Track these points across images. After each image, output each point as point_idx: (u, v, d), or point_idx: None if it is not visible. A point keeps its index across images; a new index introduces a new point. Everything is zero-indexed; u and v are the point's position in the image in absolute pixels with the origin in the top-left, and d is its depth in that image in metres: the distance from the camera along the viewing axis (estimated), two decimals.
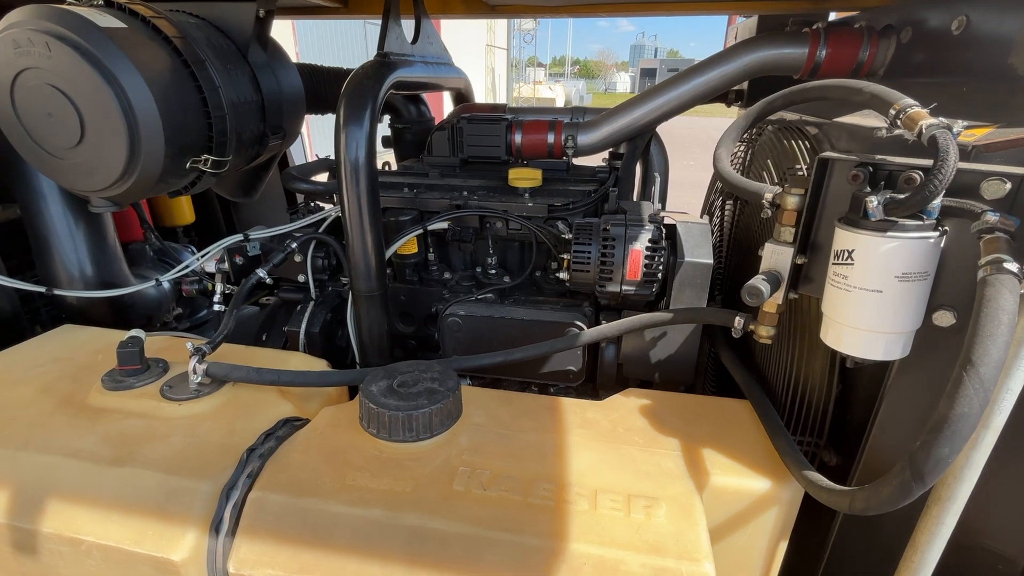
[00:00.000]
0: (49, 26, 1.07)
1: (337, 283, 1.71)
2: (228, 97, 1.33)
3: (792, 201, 0.94)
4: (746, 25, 2.09)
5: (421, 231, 1.53)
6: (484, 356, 1.29)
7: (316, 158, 1.88)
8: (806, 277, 0.96)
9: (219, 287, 1.58)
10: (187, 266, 1.52)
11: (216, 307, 1.58)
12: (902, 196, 0.74)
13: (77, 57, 1.07)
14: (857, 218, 0.80)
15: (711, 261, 1.27)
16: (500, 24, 23.12)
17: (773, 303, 1.02)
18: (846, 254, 0.81)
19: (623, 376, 1.43)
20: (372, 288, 1.42)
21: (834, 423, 1.11)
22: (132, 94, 1.11)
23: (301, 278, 1.64)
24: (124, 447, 1.01)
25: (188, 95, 1.24)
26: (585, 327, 1.42)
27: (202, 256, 1.52)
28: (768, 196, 0.98)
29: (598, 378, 1.48)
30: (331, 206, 1.75)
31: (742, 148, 1.92)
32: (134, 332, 1.22)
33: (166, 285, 1.57)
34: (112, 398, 1.14)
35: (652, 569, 0.79)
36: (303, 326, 1.55)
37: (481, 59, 19.14)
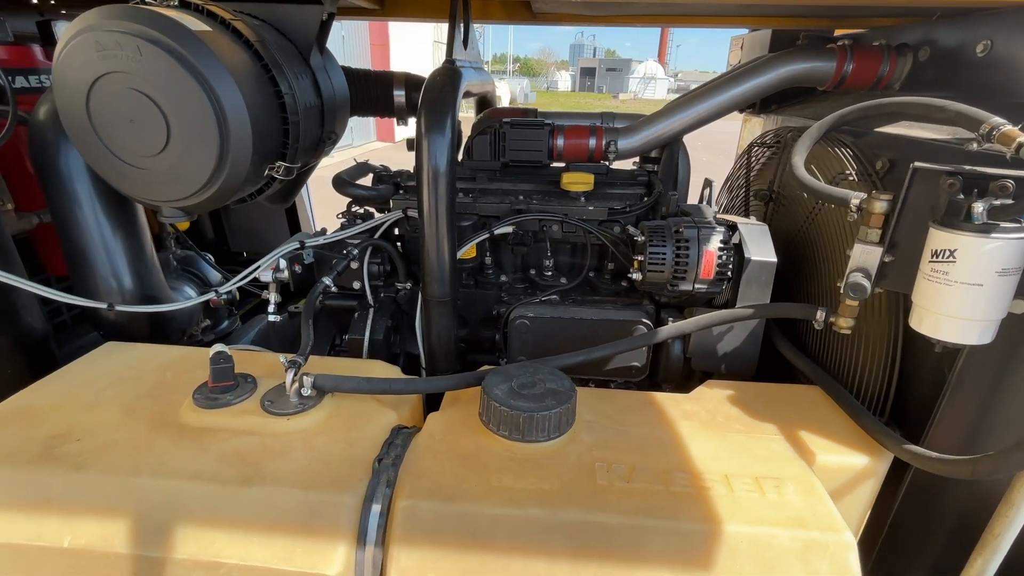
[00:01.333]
0: (140, 28, 1.01)
1: (390, 289, 1.69)
2: (300, 102, 1.30)
3: (880, 205, 1.05)
4: (757, 39, 2.23)
5: (488, 235, 1.55)
6: (568, 356, 1.34)
7: None
8: (890, 273, 1.08)
9: (273, 297, 1.53)
10: (248, 275, 1.46)
11: (272, 318, 1.53)
12: (1009, 203, 0.86)
13: (172, 61, 1.02)
14: (958, 221, 0.92)
15: (775, 259, 1.38)
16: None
17: (856, 297, 1.13)
18: (947, 253, 0.93)
19: (688, 370, 1.52)
20: (446, 293, 1.43)
21: (895, 403, 1.24)
22: (225, 100, 1.07)
23: (356, 285, 1.62)
24: (247, 466, 0.99)
25: (269, 100, 1.21)
26: (651, 324, 1.49)
27: (260, 265, 1.47)
28: (855, 201, 1.09)
29: (660, 373, 1.56)
30: (380, 214, 1.73)
31: (758, 154, 2.06)
32: (218, 348, 1.17)
33: (222, 297, 1.51)
34: (212, 416, 1.09)
35: (802, 542, 0.87)
36: (367, 333, 1.53)
37: (429, 56, 18.91)
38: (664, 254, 1.38)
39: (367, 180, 1.78)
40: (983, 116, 0.93)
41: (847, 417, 1.19)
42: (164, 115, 1.07)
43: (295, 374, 1.13)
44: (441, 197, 1.33)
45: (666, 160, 1.85)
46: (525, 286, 1.70)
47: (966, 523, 1.15)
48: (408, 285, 1.64)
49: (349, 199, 1.70)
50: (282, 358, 1.15)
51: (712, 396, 1.26)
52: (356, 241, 1.63)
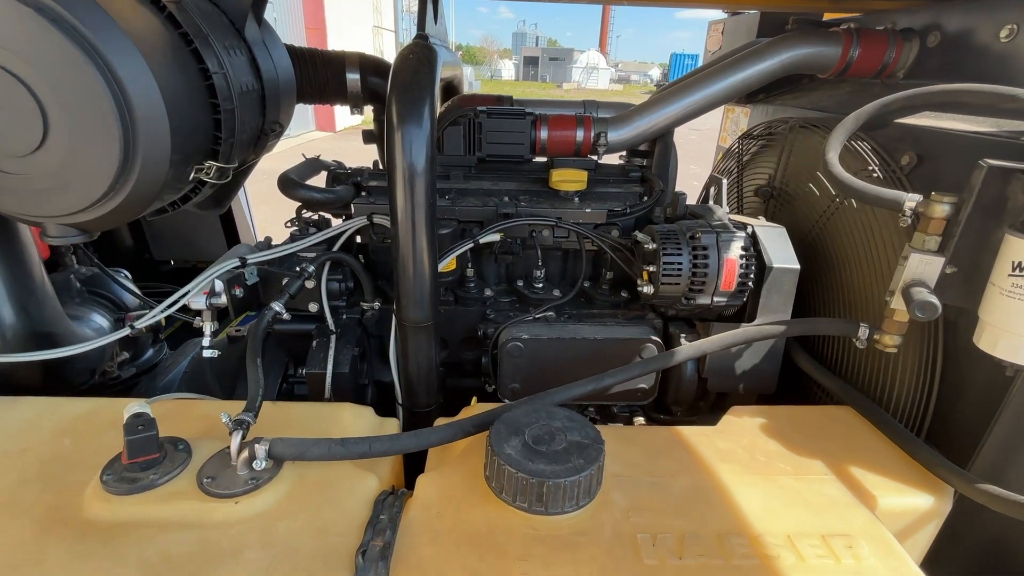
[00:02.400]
0: None
1: (354, 310, 1.43)
2: (234, 84, 1.02)
3: (941, 209, 0.92)
4: (741, 23, 2.10)
5: (472, 245, 1.32)
6: (575, 386, 1.14)
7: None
8: (952, 287, 0.95)
9: (208, 327, 1.23)
10: (174, 303, 1.15)
11: (208, 353, 1.23)
12: None
13: (45, 24, 0.72)
14: None
15: (798, 266, 1.24)
16: (386, 4, 21.99)
17: (904, 312, 1.00)
18: None
19: (702, 391, 1.36)
20: (426, 317, 1.19)
21: (932, 424, 1.13)
22: (128, 79, 0.78)
23: (312, 307, 1.35)
24: None
25: (192, 81, 0.92)
26: (660, 341, 1.32)
27: (191, 290, 1.17)
28: (910, 204, 0.95)
29: (670, 394, 1.39)
30: (338, 221, 1.46)
31: (743, 146, 1.94)
32: (135, 405, 0.89)
33: (139, 330, 1.19)
34: (129, 505, 0.82)
35: None
36: (329, 366, 1.27)
37: (369, 41, 18.04)
38: (680, 264, 1.21)
39: (319, 179, 1.50)
40: None
41: (892, 444, 1.06)
42: (36, 99, 0.77)
43: (242, 437, 0.87)
44: (419, 202, 1.09)
45: (660, 154, 1.67)
46: (512, 300, 1.49)
47: (1000, 554, 1.06)
48: (376, 304, 1.39)
49: (299, 203, 1.42)
50: (224, 416, 0.89)
51: (744, 428, 1.10)
52: (310, 255, 1.35)
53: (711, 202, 1.45)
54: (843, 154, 1.37)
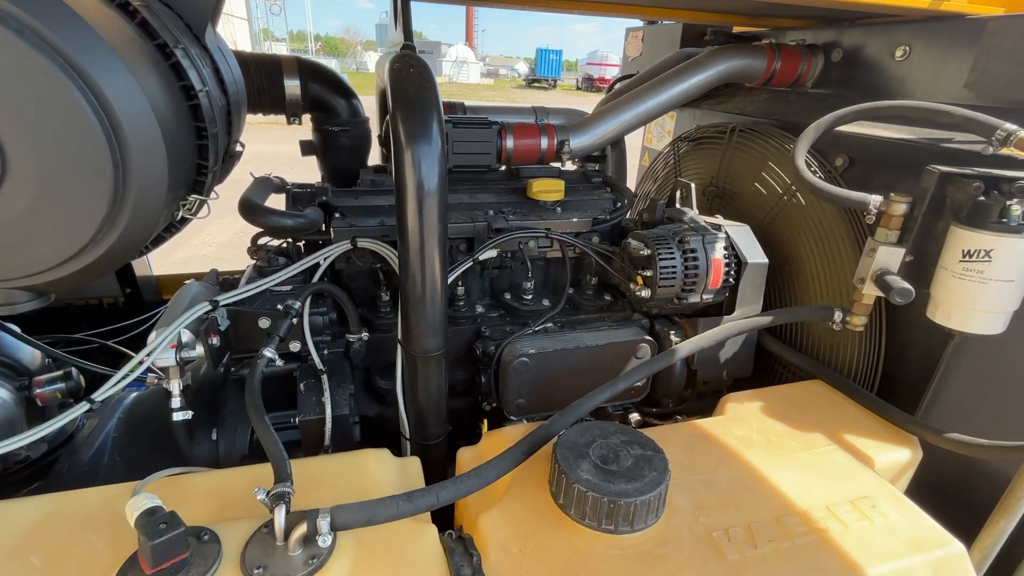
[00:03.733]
0: None
1: (337, 344, 1.30)
2: (215, 103, 0.87)
3: (899, 208, 1.08)
4: (663, 32, 2.25)
5: (471, 262, 1.27)
6: (595, 394, 1.15)
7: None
8: (910, 272, 1.13)
9: (177, 386, 1.04)
10: (132, 371, 0.94)
11: (180, 415, 1.04)
12: None
13: (11, 38, 0.55)
14: (989, 222, 0.97)
15: (767, 260, 1.38)
16: None
17: (871, 296, 1.17)
18: (982, 252, 0.98)
19: (691, 382, 1.46)
20: (439, 345, 1.13)
21: (881, 386, 1.34)
22: (117, 99, 0.63)
23: (294, 346, 1.20)
24: None
25: (177, 101, 0.77)
26: (652, 340, 1.39)
27: (157, 345, 0.97)
28: (875, 204, 1.10)
29: (661, 388, 1.47)
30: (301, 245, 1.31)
31: (672, 151, 2.10)
32: (142, 499, 0.73)
33: (83, 406, 0.95)
34: None
35: (931, 566, 0.85)
36: (328, 411, 1.15)
37: (219, 29, 16.21)
38: (674, 266, 1.28)
39: (273, 200, 1.33)
40: (996, 123, 0.99)
41: (863, 409, 1.24)
42: None
43: (286, 511, 0.76)
44: (431, 223, 1.02)
45: (617, 159, 1.75)
46: (501, 314, 1.46)
47: (965, 494, 1.30)
48: (364, 335, 1.27)
49: (260, 229, 1.25)
50: (260, 492, 0.76)
51: (748, 414, 1.20)
52: (285, 288, 1.20)
53: (678, 204, 1.55)
54: (787, 157, 1.55)
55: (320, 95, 1.61)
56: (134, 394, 1.41)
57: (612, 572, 0.79)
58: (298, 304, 1.12)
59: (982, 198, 0.99)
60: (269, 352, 1.05)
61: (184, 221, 0.85)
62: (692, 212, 1.46)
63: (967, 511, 1.21)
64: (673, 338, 1.38)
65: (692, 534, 0.86)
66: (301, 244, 1.43)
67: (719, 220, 1.46)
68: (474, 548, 0.83)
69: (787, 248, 1.54)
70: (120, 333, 1.56)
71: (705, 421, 1.17)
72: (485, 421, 1.49)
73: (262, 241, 1.33)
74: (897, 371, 1.33)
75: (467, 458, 1.11)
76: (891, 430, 1.17)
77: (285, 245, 1.28)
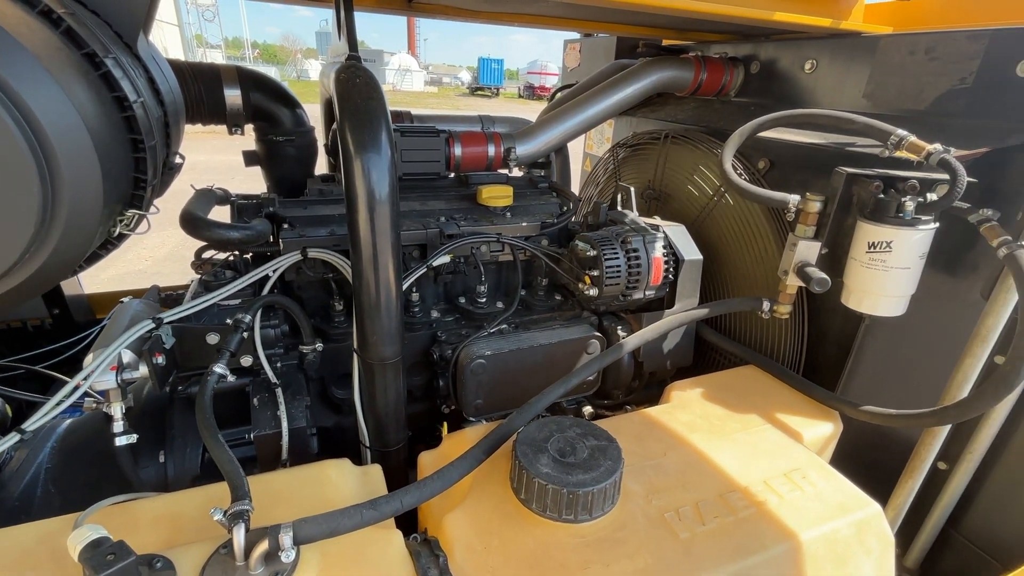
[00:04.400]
0: None
1: (290, 356, 1.28)
2: (151, 114, 0.85)
3: (815, 206, 1.20)
4: (599, 44, 2.35)
5: (425, 269, 1.28)
6: (550, 391, 1.20)
7: None
8: (824, 263, 1.25)
9: (119, 410, 0.99)
10: (66, 397, 0.89)
11: (123, 440, 0.99)
12: (932, 200, 1.05)
13: None
14: (889, 216, 1.09)
15: (701, 256, 1.48)
16: None
17: (794, 286, 1.28)
18: (884, 244, 1.11)
19: (637, 373, 1.53)
20: (396, 352, 1.14)
21: (806, 366, 1.47)
22: (42, 109, 0.61)
23: (246, 360, 1.18)
24: None
25: (109, 112, 0.75)
26: (601, 335, 1.46)
27: (94, 369, 0.92)
28: (794, 202, 1.22)
29: (611, 381, 1.54)
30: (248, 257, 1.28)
31: (614, 155, 2.20)
32: (88, 531, 0.70)
33: (13, 436, 0.88)
34: None
35: (854, 526, 0.95)
36: (285, 424, 1.13)
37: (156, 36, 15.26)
38: (619, 266, 1.35)
39: (216, 212, 1.30)
40: (889, 128, 1.12)
41: (791, 389, 1.35)
42: None
43: (245, 530, 0.75)
44: (383, 231, 1.04)
45: (561, 165, 1.82)
46: (456, 318, 1.48)
47: (872, 455, 1.44)
48: (318, 346, 1.26)
49: (205, 243, 1.21)
50: (216, 513, 0.75)
51: (691, 400, 1.29)
52: (232, 302, 1.18)
53: (620, 207, 1.63)
54: (714, 162, 1.66)
55: (263, 105, 1.57)
56: (68, 421, 1.32)
57: (574, 560, 0.83)
58: (248, 318, 1.10)
59: (882, 196, 1.12)
60: (220, 368, 1.02)
61: (122, 237, 0.82)
62: (633, 214, 1.54)
63: (882, 474, 1.35)
64: (620, 333, 1.46)
65: (646, 516, 0.92)
66: (249, 256, 1.40)
67: (657, 221, 1.55)
68: (440, 549, 0.85)
69: (719, 245, 1.65)
70: (48, 357, 1.46)
71: (653, 409, 1.24)
72: (444, 424, 1.50)
73: (207, 255, 1.29)
74: (819, 353, 1.47)
75: (428, 461, 1.12)
76: (816, 407, 1.28)
77: (231, 258, 1.25)
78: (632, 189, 1.57)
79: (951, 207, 1.07)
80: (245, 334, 1.11)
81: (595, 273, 1.36)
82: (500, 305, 1.50)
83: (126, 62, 0.84)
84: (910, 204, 1.06)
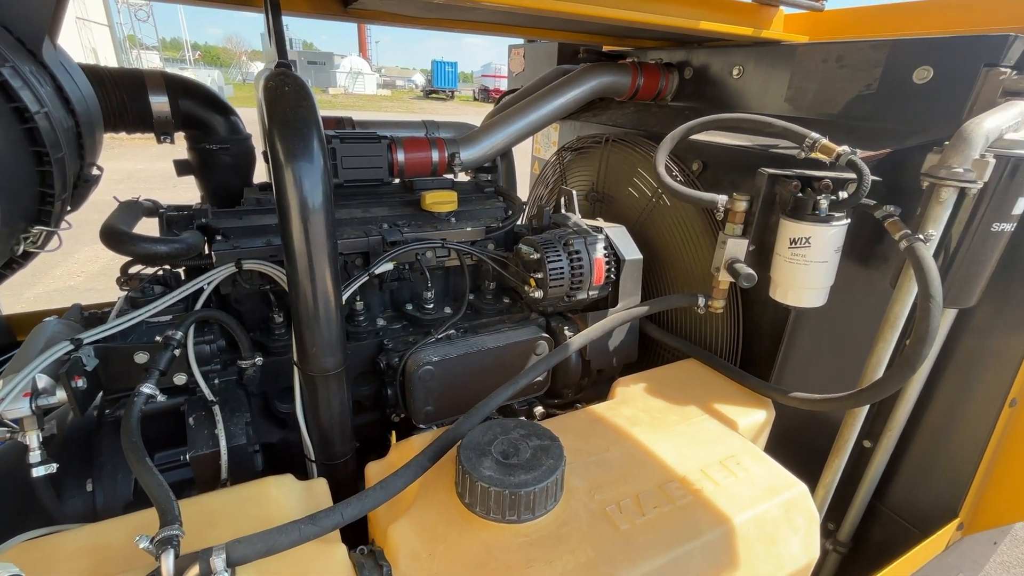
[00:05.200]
0: None
1: (228, 372, 1.24)
2: (56, 125, 0.81)
3: (741, 205, 1.27)
4: (541, 50, 2.39)
5: (367, 277, 1.27)
6: (496, 395, 1.22)
7: None
8: (752, 259, 1.32)
9: (36, 439, 0.93)
10: None
11: (41, 471, 0.93)
12: (843, 198, 1.13)
13: None
14: (806, 214, 1.17)
15: (641, 256, 1.53)
16: None
17: (725, 282, 1.35)
18: (803, 240, 1.18)
19: (585, 372, 1.57)
20: (338, 363, 1.12)
21: (743, 358, 1.55)
22: None
23: (179, 378, 1.13)
24: None
25: (9, 126, 0.71)
26: (549, 336, 1.49)
27: (5, 395, 0.87)
28: (722, 202, 1.28)
29: (560, 380, 1.57)
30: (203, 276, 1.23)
31: (559, 158, 2.24)
32: (1, 570, 0.66)
33: None
34: None
35: (782, 506, 1.01)
36: (223, 442, 1.09)
37: (74, 36, 14.31)
38: (562, 268, 1.38)
39: (144, 226, 1.24)
40: (804, 131, 1.20)
41: (729, 380, 1.42)
42: None
43: (175, 554, 0.72)
44: (319, 240, 1.02)
45: (507, 169, 1.84)
46: (404, 325, 1.47)
47: (803, 438, 1.53)
48: (258, 360, 1.23)
49: (130, 258, 1.16)
50: (143, 541, 0.72)
51: (635, 395, 1.33)
52: (163, 319, 1.13)
53: (563, 210, 1.67)
54: (651, 164, 1.72)
55: (193, 112, 1.52)
56: None
57: (518, 559, 0.85)
58: (179, 334, 1.06)
59: (800, 194, 1.19)
60: (147, 388, 0.98)
61: (28, 255, 0.78)
62: (575, 217, 1.58)
63: (813, 455, 1.43)
64: (567, 333, 1.49)
65: (588, 511, 0.95)
66: (181, 271, 1.34)
67: (599, 222, 1.59)
68: (384, 560, 0.85)
69: (660, 244, 1.71)
70: None
71: (598, 406, 1.28)
72: (393, 433, 1.49)
73: (134, 270, 1.23)
74: (754, 344, 1.54)
75: (376, 472, 1.11)
76: (750, 395, 1.35)
77: (161, 273, 1.20)
78: (574, 192, 1.61)
79: (859, 204, 1.15)
80: (177, 351, 1.07)
81: (539, 275, 1.39)
82: (448, 310, 1.51)
83: (28, 70, 0.79)
84: (824, 202, 1.14)
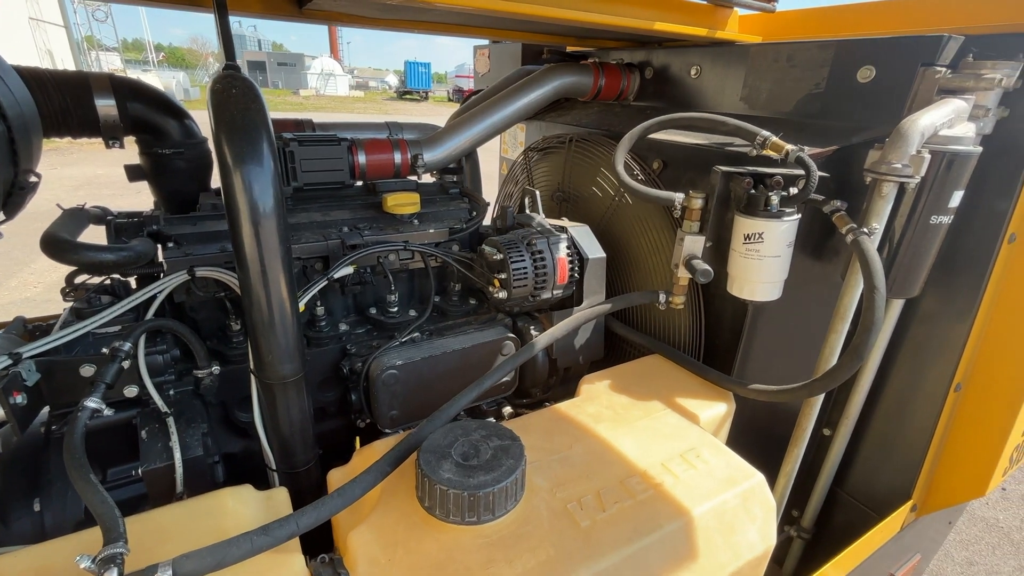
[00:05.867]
0: None
1: (184, 382, 1.21)
2: None
3: (697, 203, 1.29)
4: (506, 50, 2.39)
5: (326, 281, 1.25)
6: (461, 397, 1.21)
7: None
8: (709, 255, 1.34)
9: None
10: None
11: None
12: (793, 194, 1.16)
13: None
14: (759, 210, 1.20)
15: (605, 255, 1.55)
16: None
17: (685, 278, 1.37)
18: (757, 235, 1.21)
19: (552, 370, 1.58)
20: (296, 369, 1.11)
21: (705, 351, 1.58)
22: None
23: (130, 391, 1.10)
24: None
25: None
26: (515, 336, 1.49)
27: None
28: (679, 200, 1.30)
29: (528, 380, 1.58)
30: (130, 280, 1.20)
31: (525, 159, 2.25)
32: None
33: None
34: None
35: (740, 496, 1.04)
36: (178, 454, 1.06)
37: (28, 37, 13.72)
38: (525, 268, 1.38)
39: (91, 234, 1.20)
40: (755, 130, 1.23)
41: (690, 374, 1.45)
42: None
43: (119, 572, 0.70)
44: (271, 245, 1.00)
45: (471, 170, 1.84)
46: (368, 329, 1.46)
47: (765, 428, 1.57)
48: (215, 369, 1.20)
49: (75, 267, 1.12)
50: (84, 560, 0.70)
51: (599, 392, 1.34)
52: (111, 330, 1.09)
53: (527, 210, 1.67)
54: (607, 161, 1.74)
55: (144, 116, 1.47)
56: None
57: (478, 560, 0.85)
58: (127, 345, 1.03)
59: (753, 191, 1.22)
60: (92, 402, 0.95)
61: None
62: (539, 217, 1.58)
63: (774, 446, 1.47)
64: (533, 332, 1.49)
65: (549, 509, 0.95)
66: (133, 280, 1.30)
67: (564, 222, 1.60)
68: (343, 567, 0.84)
69: (624, 242, 1.74)
70: None
71: (562, 404, 1.28)
72: (357, 439, 1.47)
73: (80, 280, 1.19)
74: (716, 339, 1.57)
75: (338, 478, 1.10)
76: (712, 389, 1.38)
77: (109, 282, 1.16)
78: (537, 192, 1.62)
79: (808, 199, 1.18)
80: (125, 363, 1.04)
81: (503, 276, 1.39)
82: (414, 313, 1.50)
83: None
84: (775, 198, 1.17)
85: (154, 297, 1.13)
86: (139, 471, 1.03)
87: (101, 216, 1.27)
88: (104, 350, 1.02)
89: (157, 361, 1.13)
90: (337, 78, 46.53)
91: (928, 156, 1.07)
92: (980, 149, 1.15)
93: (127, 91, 1.41)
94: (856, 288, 1.19)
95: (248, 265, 0.99)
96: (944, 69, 1.16)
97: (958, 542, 2.81)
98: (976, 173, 1.18)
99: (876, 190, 1.11)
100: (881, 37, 1.27)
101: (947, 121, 1.07)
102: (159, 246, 1.26)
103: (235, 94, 0.98)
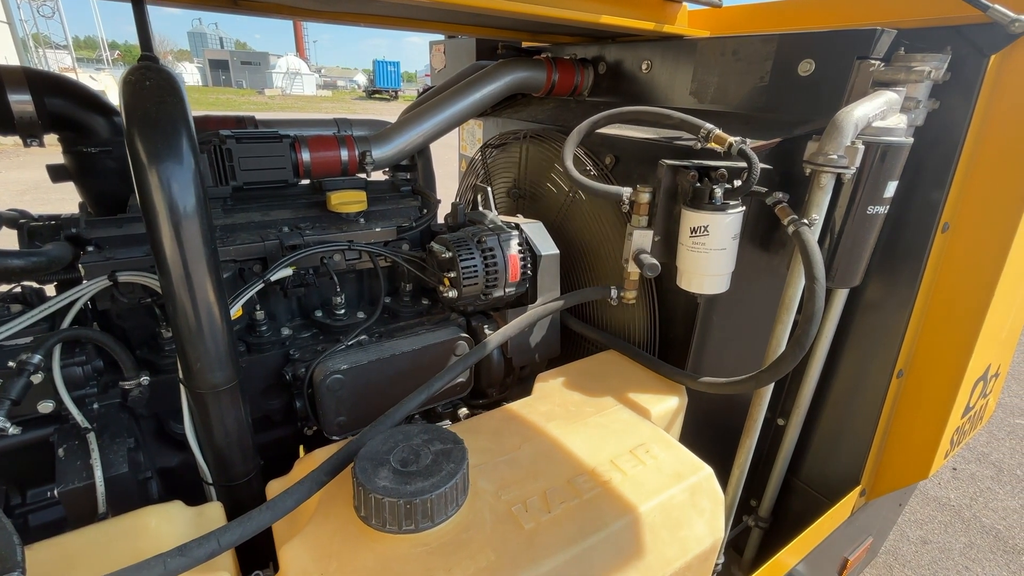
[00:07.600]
0: None
1: (110, 394, 1.13)
2: None
3: (645, 197, 1.28)
4: (461, 46, 2.35)
5: (262, 284, 1.19)
6: (407, 401, 1.17)
7: None
8: (657, 249, 1.34)
9: None
10: None
11: None
12: (736, 186, 1.16)
13: None
14: (704, 203, 1.20)
15: (558, 251, 1.53)
16: None
17: (635, 272, 1.37)
18: (702, 228, 1.21)
19: (508, 370, 1.55)
20: (229, 377, 1.05)
21: (661, 346, 1.58)
22: None
23: (45, 407, 1.02)
24: None
25: None
26: (469, 336, 1.46)
27: None
28: (626, 195, 1.29)
29: (483, 380, 1.55)
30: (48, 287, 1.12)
31: (483, 154, 2.22)
32: None
33: None
34: None
35: (687, 490, 1.03)
36: (98, 472, 0.99)
37: None
38: (475, 266, 1.35)
39: (3, 239, 1.12)
40: (699, 123, 1.23)
41: (644, 368, 1.44)
42: None
43: None
44: (194, 247, 0.94)
45: (424, 167, 1.79)
46: (314, 333, 1.41)
47: (721, 420, 1.58)
48: (144, 379, 1.13)
49: None
50: None
51: (553, 390, 1.33)
52: (20, 341, 1.02)
53: (480, 207, 1.64)
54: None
55: (65, 112, 1.38)
56: None
57: (415, 570, 0.81)
58: (37, 357, 0.95)
59: (698, 184, 1.22)
60: None
61: None
62: (492, 214, 1.55)
63: (728, 438, 1.48)
64: (487, 331, 1.46)
65: (493, 513, 0.93)
66: (52, 287, 1.22)
67: (518, 219, 1.58)
68: None
69: (580, 238, 1.72)
70: None
71: (514, 403, 1.26)
72: (301, 447, 1.42)
73: None
74: (670, 332, 1.57)
75: (276, 489, 1.05)
76: (664, 383, 1.38)
77: (20, 290, 1.08)
78: (490, 189, 1.59)
79: (751, 191, 1.18)
80: (36, 377, 0.96)
81: (453, 274, 1.35)
82: (363, 315, 1.45)
83: None
84: (719, 191, 1.17)
85: (71, 305, 1.06)
86: (52, 492, 0.96)
87: (15, 219, 1.18)
88: (11, 364, 0.95)
89: (76, 373, 1.06)
90: (304, 77, 45.56)
91: (862, 147, 1.08)
92: (912, 140, 1.17)
93: (45, 85, 1.32)
94: (799, 279, 1.20)
95: (170, 269, 0.93)
96: (878, 62, 1.18)
97: (912, 522, 2.91)
98: (910, 164, 1.21)
99: (815, 181, 1.12)
100: (820, 31, 1.28)
101: (880, 113, 1.09)
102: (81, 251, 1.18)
103: (149, 87, 0.92)
